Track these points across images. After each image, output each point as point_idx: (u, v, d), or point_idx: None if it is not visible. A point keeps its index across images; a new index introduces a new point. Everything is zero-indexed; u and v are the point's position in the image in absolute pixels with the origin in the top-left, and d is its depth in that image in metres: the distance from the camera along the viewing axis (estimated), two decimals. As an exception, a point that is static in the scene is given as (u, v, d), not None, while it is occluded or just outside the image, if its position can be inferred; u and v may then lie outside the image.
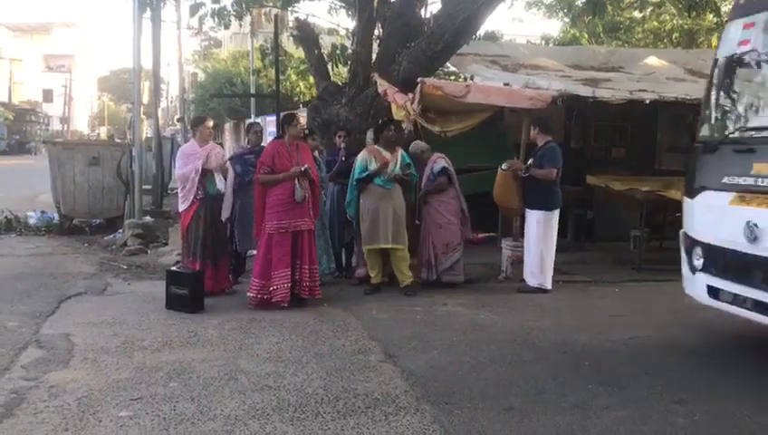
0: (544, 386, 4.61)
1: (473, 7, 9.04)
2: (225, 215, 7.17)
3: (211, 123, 7.58)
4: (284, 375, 4.73)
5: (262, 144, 7.72)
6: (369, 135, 7.97)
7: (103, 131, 58.21)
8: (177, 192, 7.68)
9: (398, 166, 7.25)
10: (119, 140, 21.00)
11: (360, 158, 7.34)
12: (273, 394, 4.37)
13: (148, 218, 10.98)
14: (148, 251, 9.73)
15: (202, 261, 6.97)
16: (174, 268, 7.01)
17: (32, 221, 11.76)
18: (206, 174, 6.98)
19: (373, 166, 7.21)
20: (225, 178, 7.17)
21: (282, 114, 8.73)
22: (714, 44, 18.31)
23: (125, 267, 8.64)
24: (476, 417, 4.07)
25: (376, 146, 7.39)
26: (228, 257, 7.37)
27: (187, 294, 6.44)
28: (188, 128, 14.17)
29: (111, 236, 10.68)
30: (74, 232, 11.38)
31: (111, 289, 7.49)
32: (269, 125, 15.33)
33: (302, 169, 6.55)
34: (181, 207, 7.11)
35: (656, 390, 4.55)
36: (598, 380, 4.73)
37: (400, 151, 7.39)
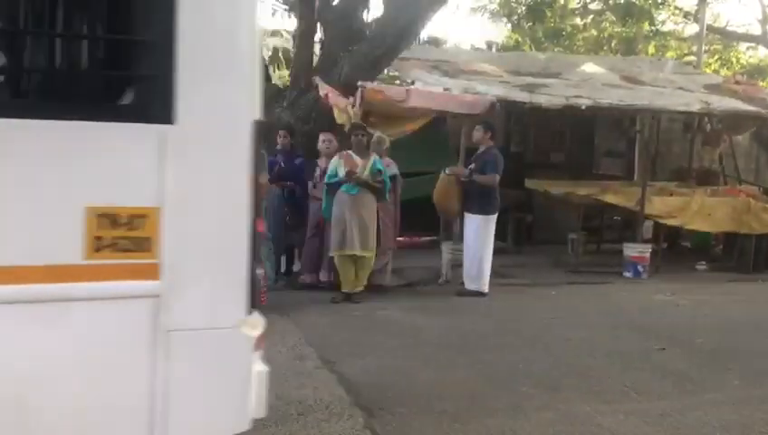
0: (478, 389, 4.65)
1: (415, 12, 9.10)
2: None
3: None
4: (216, 383, 4.64)
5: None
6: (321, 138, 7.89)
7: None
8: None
9: (366, 171, 7.14)
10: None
11: (332, 162, 7.25)
12: (203, 403, 4.29)
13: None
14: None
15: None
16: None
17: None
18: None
19: (341, 171, 7.12)
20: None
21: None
22: (650, 52, 18.89)
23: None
24: (408, 422, 4.07)
25: (349, 151, 7.26)
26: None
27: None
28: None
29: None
30: None
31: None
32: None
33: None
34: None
35: (585, 391, 4.64)
36: (530, 382, 4.79)
37: (372, 157, 7.27)
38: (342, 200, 7.10)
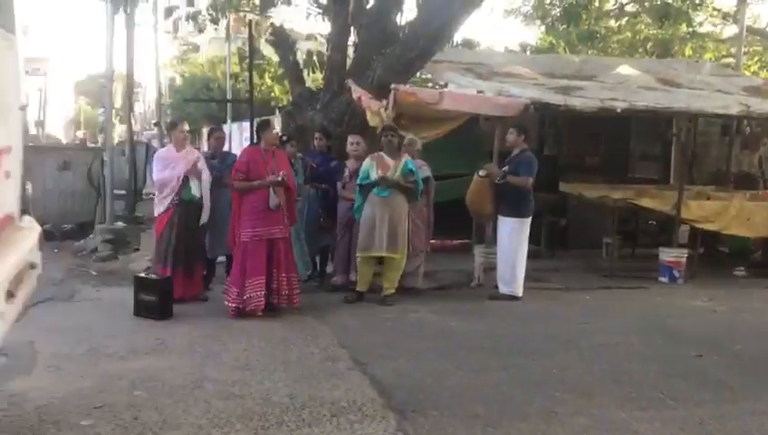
0: (510, 393, 4.62)
1: (448, 14, 9.06)
2: (205, 219, 7.06)
3: (186, 127, 7.54)
4: (250, 383, 4.68)
5: (228, 150, 7.67)
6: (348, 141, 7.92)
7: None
8: (152, 197, 7.59)
9: (398, 172, 7.13)
10: (91, 145, 20.78)
11: (364, 163, 7.28)
12: (237, 402, 4.33)
13: (119, 224, 10.85)
14: (119, 257, 9.61)
15: (173, 267, 6.88)
16: (142, 274, 6.91)
17: None
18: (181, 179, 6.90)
19: (373, 172, 7.12)
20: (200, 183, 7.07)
21: (256, 120, 8.69)
22: (687, 54, 18.58)
23: (94, 274, 8.53)
24: (441, 424, 4.06)
25: (380, 152, 7.25)
26: (202, 264, 7.30)
27: (156, 301, 6.37)
28: (165, 132, 14.04)
29: (81, 241, 10.54)
30: (44, 237, 11.17)
31: (79, 295, 7.39)
32: (245, 131, 15.25)
33: (279, 178, 6.48)
34: (156, 212, 7.05)
35: (620, 397, 4.58)
36: (564, 387, 4.74)
37: (404, 158, 7.26)
38: (374, 202, 7.12)
